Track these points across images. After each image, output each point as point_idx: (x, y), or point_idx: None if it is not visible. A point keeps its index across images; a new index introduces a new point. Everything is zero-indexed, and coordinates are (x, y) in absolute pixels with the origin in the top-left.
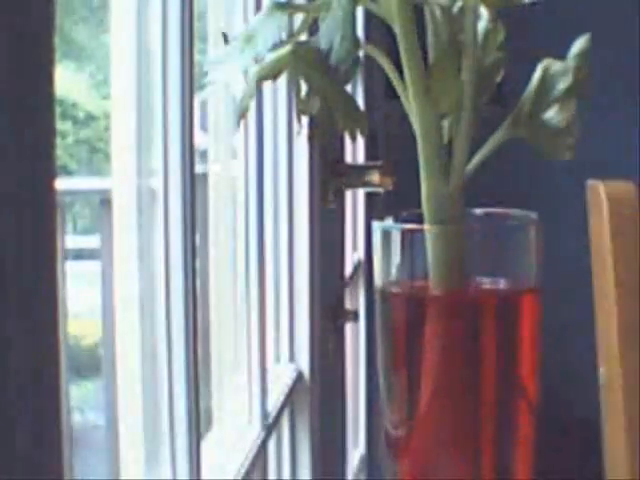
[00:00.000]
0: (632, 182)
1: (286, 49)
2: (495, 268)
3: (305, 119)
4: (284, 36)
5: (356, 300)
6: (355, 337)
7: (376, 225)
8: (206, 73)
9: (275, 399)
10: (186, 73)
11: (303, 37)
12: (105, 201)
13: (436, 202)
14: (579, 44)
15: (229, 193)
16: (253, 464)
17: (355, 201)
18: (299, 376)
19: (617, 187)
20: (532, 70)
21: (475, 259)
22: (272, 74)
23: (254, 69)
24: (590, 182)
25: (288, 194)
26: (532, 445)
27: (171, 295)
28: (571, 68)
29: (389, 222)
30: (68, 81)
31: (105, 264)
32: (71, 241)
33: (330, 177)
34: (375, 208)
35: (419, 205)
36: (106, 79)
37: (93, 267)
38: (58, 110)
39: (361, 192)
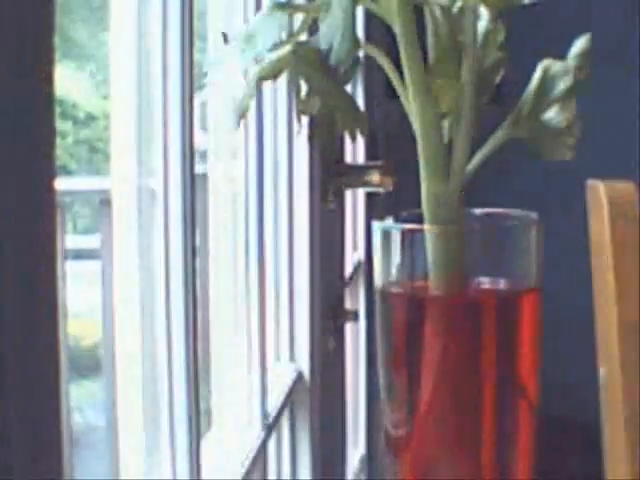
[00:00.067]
0: (632, 182)
1: (286, 49)
2: (495, 268)
3: (305, 119)
4: (284, 36)
5: (356, 300)
6: (355, 337)
7: (376, 225)
8: (206, 73)
9: (275, 399)
10: (186, 73)
11: (303, 37)
12: (105, 201)
13: (436, 202)
14: (579, 44)
15: (229, 193)
16: (253, 464)
17: (355, 201)
18: (299, 376)
19: (617, 187)
20: (532, 70)
21: (475, 259)
22: (272, 74)
23: (254, 69)
24: (590, 182)
25: (288, 194)
26: (532, 445)
27: (171, 295)
28: (571, 68)
29: (389, 222)
30: (68, 81)
31: (105, 264)
32: (71, 241)
33: (330, 177)
34: (375, 208)
35: (419, 205)
36: (106, 79)
37: (93, 267)
38: (58, 110)
39: (361, 192)
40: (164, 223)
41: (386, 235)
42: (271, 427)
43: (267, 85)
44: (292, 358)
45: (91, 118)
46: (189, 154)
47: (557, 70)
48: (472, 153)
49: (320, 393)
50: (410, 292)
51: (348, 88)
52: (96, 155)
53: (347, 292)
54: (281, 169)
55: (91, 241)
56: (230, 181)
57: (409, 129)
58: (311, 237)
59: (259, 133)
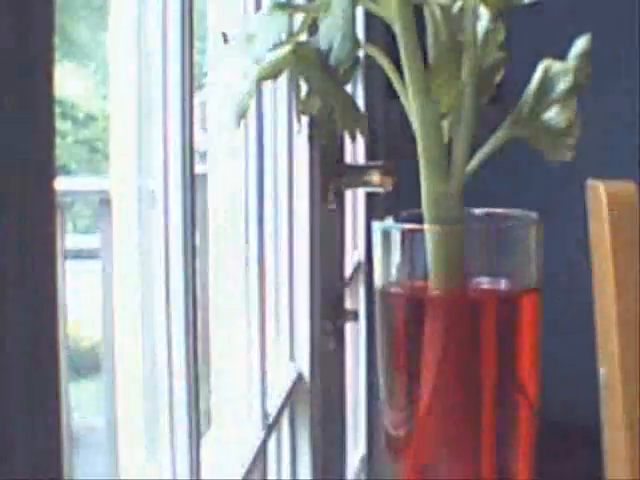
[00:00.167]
0: (632, 182)
1: (286, 49)
2: (495, 268)
3: (305, 119)
4: (284, 36)
5: (356, 300)
6: (355, 337)
7: (376, 225)
8: (206, 73)
9: (275, 399)
10: (186, 73)
11: (303, 37)
12: (105, 201)
13: (436, 202)
14: (579, 44)
15: (229, 193)
16: (253, 464)
17: (355, 201)
18: (299, 376)
19: (617, 187)
20: (532, 70)
21: (475, 259)
22: (272, 74)
23: (254, 69)
24: (590, 182)
25: (288, 194)
26: (532, 445)
27: (171, 295)
28: (571, 68)
29: (389, 222)
30: (68, 81)
31: (105, 264)
32: (71, 241)
33: (330, 177)
34: (375, 208)
35: (419, 205)
36: (106, 79)
37: (93, 267)
38: (58, 110)
39: (361, 192)
40: (164, 223)
41: (386, 235)
42: (271, 427)
43: (267, 85)
44: (292, 358)
45: (91, 118)
46: (189, 154)
47: (557, 70)
48: (472, 153)
49: (320, 393)
50: (410, 292)
51: (348, 88)
52: (96, 155)
53: (347, 292)
54: (281, 169)
55: (91, 241)
56: (230, 181)
57: (409, 129)
58: (311, 237)
59: (259, 133)
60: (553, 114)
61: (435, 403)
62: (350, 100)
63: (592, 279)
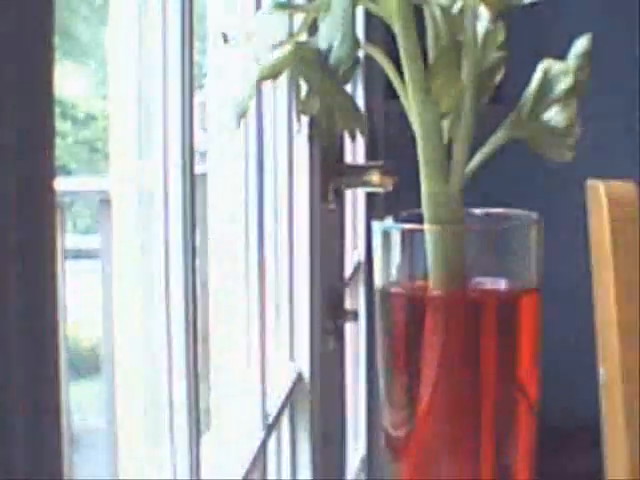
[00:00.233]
0: (632, 182)
1: (286, 49)
2: (495, 268)
3: (305, 119)
4: (284, 36)
5: (356, 300)
6: (355, 337)
7: (376, 225)
8: (206, 73)
9: (275, 399)
10: (186, 73)
11: (303, 37)
12: (105, 201)
13: (436, 202)
14: (580, 44)
15: (229, 193)
16: (253, 464)
17: (355, 201)
18: (299, 376)
19: (617, 187)
20: (532, 70)
21: (475, 259)
22: (272, 74)
23: (254, 69)
24: (590, 182)
25: (288, 194)
26: (532, 445)
27: (171, 295)
28: (572, 68)
29: (389, 222)
30: (68, 81)
31: (105, 264)
32: (71, 241)
33: (330, 177)
34: (375, 208)
35: (419, 205)
36: (106, 79)
37: (93, 267)
38: (58, 110)
39: (361, 192)
40: (164, 223)
41: (386, 235)
42: (271, 427)
43: (267, 85)
44: (292, 358)
45: (91, 118)
46: (189, 154)
47: (557, 70)
48: (472, 153)
49: (320, 393)
50: (410, 292)
51: (348, 88)
52: (96, 155)
53: (347, 292)
54: (281, 169)
55: (91, 241)
56: (230, 181)
57: (409, 129)
58: (311, 237)
59: (259, 133)
60: (553, 114)
61: (435, 403)
62: (350, 100)
63: (592, 279)
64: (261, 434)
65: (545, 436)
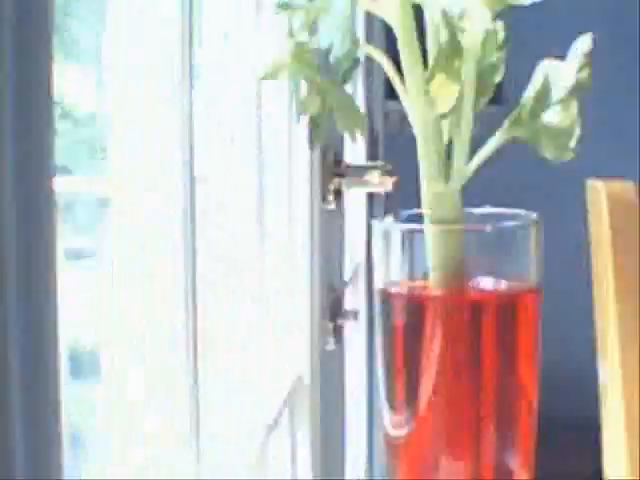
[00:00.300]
0: (632, 182)
1: (286, 49)
2: (495, 268)
3: (305, 119)
4: (284, 36)
5: (356, 300)
6: (355, 337)
7: (376, 225)
8: (206, 73)
9: (275, 399)
10: (186, 73)
11: (303, 37)
12: (105, 201)
13: (436, 202)
14: (580, 44)
15: (229, 193)
16: (253, 464)
17: (355, 201)
18: (299, 376)
19: (617, 187)
20: (532, 70)
21: (475, 259)
22: (272, 74)
23: (254, 69)
24: (590, 182)
25: (288, 194)
26: (532, 445)
27: (171, 295)
28: (572, 69)
29: (389, 222)
30: (68, 81)
31: (105, 264)
32: (71, 241)
33: (330, 177)
34: (375, 208)
35: (419, 205)
36: (106, 79)
37: (93, 267)
38: (58, 110)
39: (361, 192)
40: (164, 223)
41: (386, 235)
42: (271, 427)
43: (267, 85)
44: (292, 358)
45: (91, 118)
46: (189, 154)
47: (557, 70)
48: (472, 153)
49: (320, 393)
50: (410, 292)
51: (348, 88)
52: (96, 155)
53: (347, 292)
54: (281, 169)
55: (91, 241)
56: (230, 181)
57: (409, 129)
58: (311, 237)
59: (259, 133)
60: (553, 114)
61: (435, 403)
62: (350, 100)
63: (592, 279)
64: (261, 434)
65: (545, 435)
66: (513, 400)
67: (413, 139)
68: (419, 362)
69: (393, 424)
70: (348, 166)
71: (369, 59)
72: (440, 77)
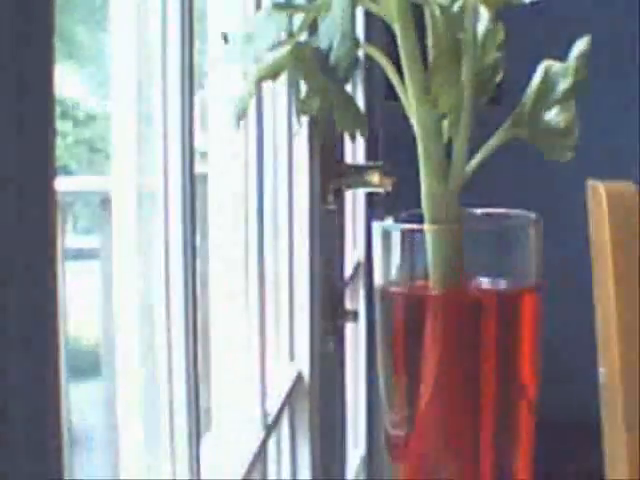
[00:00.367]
0: (632, 182)
1: (286, 49)
2: (495, 268)
3: (305, 119)
4: (284, 36)
5: (356, 300)
6: (355, 337)
7: (376, 225)
8: (206, 73)
9: (275, 399)
10: (186, 73)
11: (303, 37)
12: (105, 201)
13: (436, 202)
14: (579, 45)
15: (229, 193)
16: (253, 464)
17: (355, 201)
18: (299, 376)
19: (617, 187)
20: (532, 70)
21: (475, 259)
22: (272, 74)
23: (254, 69)
24: (590, 182)
25: (288, 194)
26: (532, 445)
27: (171, 295)
28: (571, 69)
29: (389, 222)
30: (68, 81)
31: (105, 264)
32: (71, 241)
33: (330, 177)
34: (375, 208)
35: (419, 205)
36: (106, 79)
37: (93, 267)
38: (58, 110)
39: (361, 192)
40: (164, 223)
41: (386, 235)
42: (271, 427)
43: (267, 85)
44: (292, 358)
45: (91, 118)
46: (189, 154)
47: (557, 71)
48: (472, 153)
49: (320, 393)
50: (410, 292)
51: (348, 88)
52: (96, 155)
53: (347, 292)
54: (281, 169)
55: (91, 241)
56: (230, 181)
57: (409, 129)
58: (311, 237)
59: (259, 133)
60: (553, 114)
61: (435, 403)
62: (350, 100)
63: (592, 279)
64: (261, 434)
65: (545, 435)
66: (513, 400)
67: (413, 139)
68: (419, 362)
69: (393, 424)
70: (348, 166)
71: (369, 59)
72: (440, 77)
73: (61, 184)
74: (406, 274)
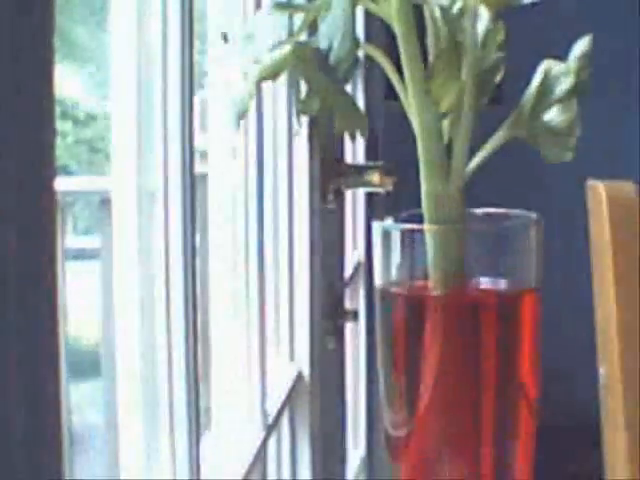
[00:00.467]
0: (632, 182)
1: (286, 49)
2: (495, 268)
3: (305, 119)
4: (284, 36)
5: (356, 300)
6: (355, 337)
7: (376, 225)
8: (206, 73)
9: (275, 399)
10: (186, 73)
11: (303, 37)
12: (105, 201)
13: (436, 202)
14: (580, 45)
15: (229, 193)
16: (253, 464)
17: (355, 201)
18: (299, 376)
19: (617, 187)
20: (532, 70)
21: (475, 259)
22: (272, 74)
23: (254, 69)
24: (590, 182)
25: (288, 194)
26: (532, 445)
27: (171, 295)
28: (572, 69)
29: (389, 222)
30: (68, 81)
31: (105, 264)
32: (71, 241)
33: (330, 177)
34: (375, 208)
35: (419, 205)
36: (106, 79)
37: (93, 267)
38: (58, 110)
39: (361, 192)
40: (164, 223)
41: (386, 235)
42: (271, 427)
43: (267, 85)
44: (292, 358)
45: (91, 118)
46: (189, 154)
47: (558, 71)
48: (472, 153)
49: (320, 393)
50: (410, 292)
51: (348, 88)
52: (96, 155)
53: (347, 292)
54: (281, 169)
55: (91, 241)
56: (230, 181)
57: (409, 129)
58: (311, 237)
59: (259, 133)
60: (553, 114)
61: (435, 403)
62: (350, 100)
63: (592, 279)
64: (261, 434)
65: (545, 436)
66: (513, 399)
67: (413, 139)
68: (419, 362)
69: (393, 424)
70: (348, 166)
71: (369, 59)
72: (440, 77)
73: (61, 184)
74: (406, 274)
